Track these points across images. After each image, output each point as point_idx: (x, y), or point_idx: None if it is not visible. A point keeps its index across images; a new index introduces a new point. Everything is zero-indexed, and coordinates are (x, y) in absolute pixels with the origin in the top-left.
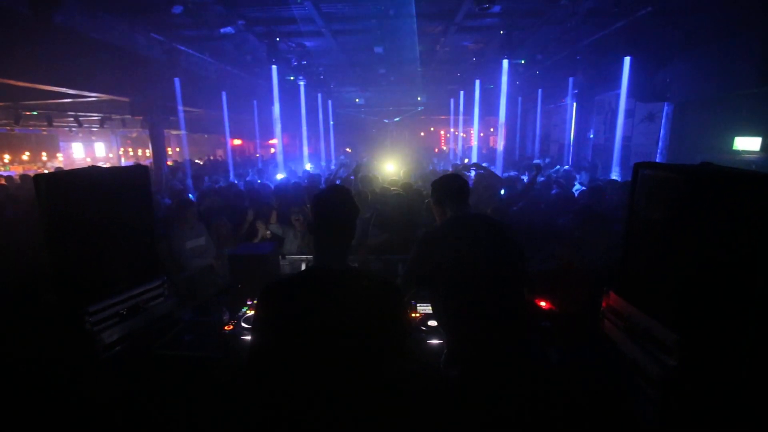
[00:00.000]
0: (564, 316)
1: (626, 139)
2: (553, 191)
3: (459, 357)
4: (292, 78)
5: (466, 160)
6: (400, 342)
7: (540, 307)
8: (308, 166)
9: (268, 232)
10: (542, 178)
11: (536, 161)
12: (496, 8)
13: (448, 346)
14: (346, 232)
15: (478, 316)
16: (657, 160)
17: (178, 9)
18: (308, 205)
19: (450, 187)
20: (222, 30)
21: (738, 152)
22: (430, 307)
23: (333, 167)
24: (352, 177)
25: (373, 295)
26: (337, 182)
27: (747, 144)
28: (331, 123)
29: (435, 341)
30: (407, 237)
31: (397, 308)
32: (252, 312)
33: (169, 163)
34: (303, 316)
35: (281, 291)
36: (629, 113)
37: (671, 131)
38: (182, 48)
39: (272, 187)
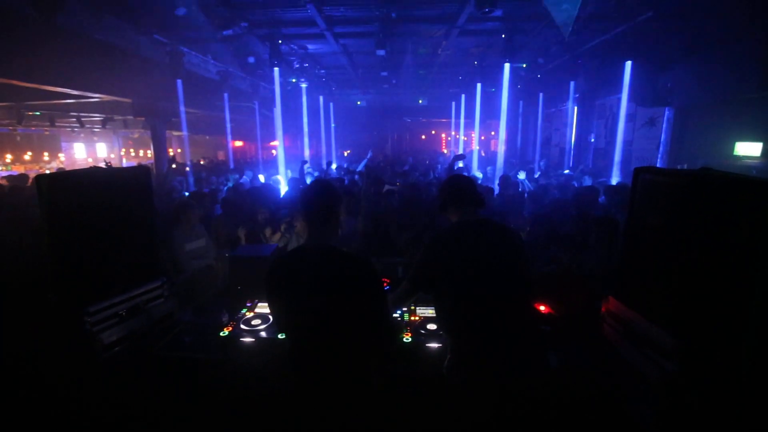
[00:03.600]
0: (564, 320)
1: (627, 143)
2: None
3: (463, 362)
4: (294, 80)
5: (461, 164)
6: (371, 304)
7: (540, 311)
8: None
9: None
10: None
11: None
12: (498, 12)
13: (451, 351)
14: (323, 217)
15: (484, 321)
16: (658, 165)
17: (181, 11)
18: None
19: (456, 189)
20: (225, 32)
21: (739, 157)
22: (429, 311)
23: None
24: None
25: (344, 266)
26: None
27: (748, 149)
28: (333, 125)
29: (434, 345)
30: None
31: (364, 276)
32: (251, 314)
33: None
34: (292, 279)
35: (279, 261)
36: (630, 117)
37: (672, 136)
38: (185, 50)
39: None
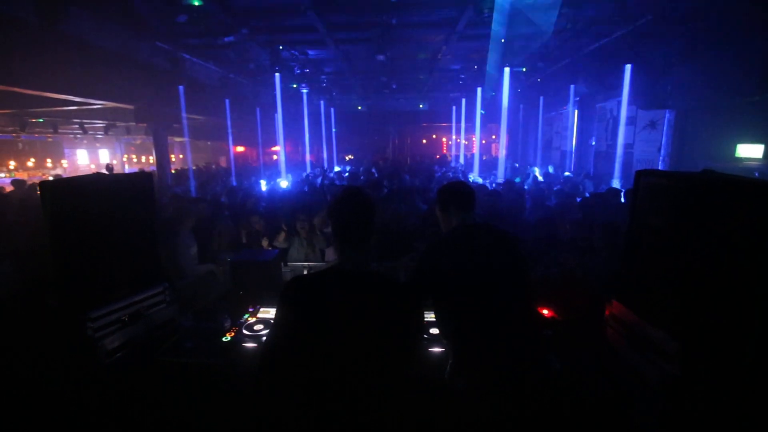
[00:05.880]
0: (566, 324)
1: (628, 146)
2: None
3: (465, 369)
4: (295, 86)
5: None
6: (412, 345)
7: (542, 315)
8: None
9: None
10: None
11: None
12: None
13: (453, 357)
14: (364, 234)
15: (484, 326)
16: (659, 168)
17: (182, 18)
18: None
19: (456, 193)
20: (226, 38)
21: (741, 159)
22: (431, 316)
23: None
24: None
25: (390, 299)
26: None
27: (749, 151)
28: (333, 130)
29: (437, 349)
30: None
31: (413, 313)
32: (253, 319)
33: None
34: (321, 313)
35: (302, 288)
36: (631, 120)
37: (673, 138)
38: (186, 56)
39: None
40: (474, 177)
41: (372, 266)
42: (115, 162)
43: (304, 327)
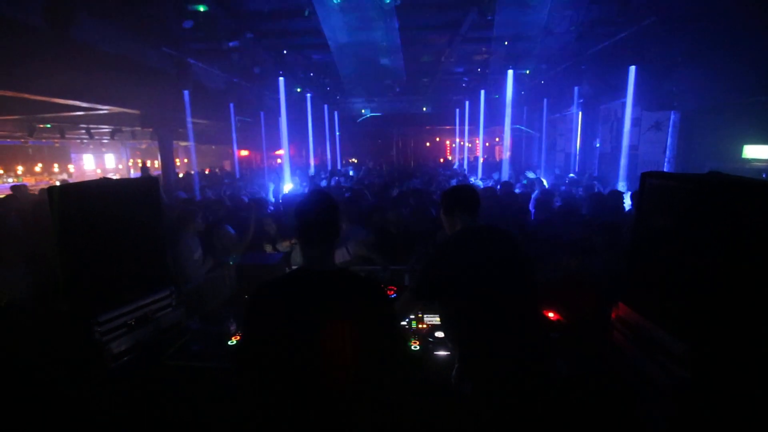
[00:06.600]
0: (572, 326)
1: (633, 148)
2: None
3: (471, 371)
4: (299, 89)
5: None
6: (388, 340)
7: (548, 317)
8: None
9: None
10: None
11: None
12: (501, 19)
13: (459, 359)
14: (326, 235)
15: (490, 329)
16: (665, 169)
17: (188, 23)
18: None
19: (461, 197)
20: (231, 43)
21: (747, 160)
22: (437, 319)
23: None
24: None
25: (356, 294)
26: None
27: (756, 152)
28: (337, 134)
29: (442, 353)
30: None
31: (381, 306)
32: None
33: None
34: (288, 315)
35: (268, 291)
36: (636, 122)
37: (679, 140)
38: (192, 61)
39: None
40: (476, 180)
41: (335, 265)
42: (120, 166)
43: (271, 331)
